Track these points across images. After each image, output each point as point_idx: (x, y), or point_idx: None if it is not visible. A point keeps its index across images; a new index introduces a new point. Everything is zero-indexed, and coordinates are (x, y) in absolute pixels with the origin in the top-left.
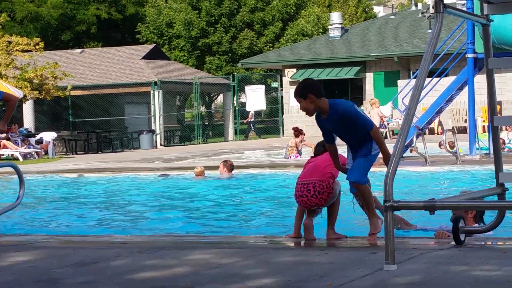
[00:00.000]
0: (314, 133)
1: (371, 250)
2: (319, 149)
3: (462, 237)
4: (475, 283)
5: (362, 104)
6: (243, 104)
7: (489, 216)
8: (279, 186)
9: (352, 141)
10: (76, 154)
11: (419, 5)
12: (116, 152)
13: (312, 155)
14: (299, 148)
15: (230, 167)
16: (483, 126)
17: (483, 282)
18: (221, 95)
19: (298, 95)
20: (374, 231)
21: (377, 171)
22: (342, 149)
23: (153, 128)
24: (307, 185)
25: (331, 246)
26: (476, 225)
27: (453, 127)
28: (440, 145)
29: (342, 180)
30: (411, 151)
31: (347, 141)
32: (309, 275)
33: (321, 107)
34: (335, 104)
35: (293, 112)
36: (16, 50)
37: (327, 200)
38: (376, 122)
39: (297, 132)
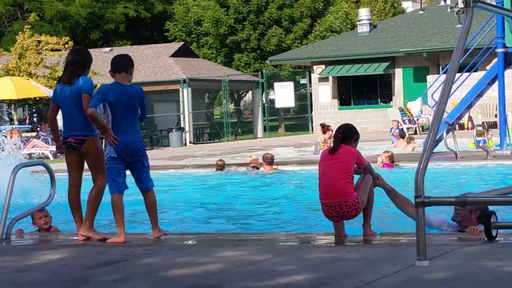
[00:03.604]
0: None
1: (403, 246)
2: (336, 139)
3: (494, 232)
4: (509, 279)
5: (391, 100)
6: (272, 101)
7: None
8: (308, 183)
9: None
10: None
11: (448, 0)
12: (146, 149)
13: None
14: (329, 144)
15: (267, 160)
16: None
17: None
18: (250, 92)
19: None
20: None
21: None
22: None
23: (182, 125)
24: (334, 207)
25: (362, 242)
26: (479, 225)
27: (483, 122)
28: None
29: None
30: None
31: None
32: (341, 271)
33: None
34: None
35: (322, 108)
36: (46, 49)
37: (358, 211)
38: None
39: (325, 128)
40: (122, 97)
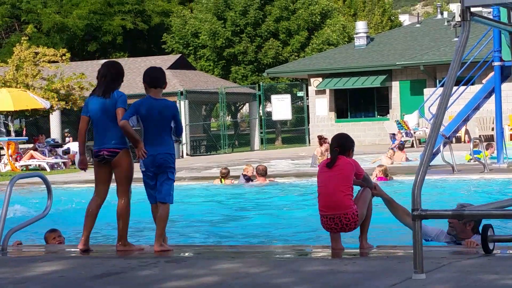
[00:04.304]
0: None
1: (400, 259)
2: (333, 153)
3: (491, 246)
4: None
5: (388, 112)
6: (269, 114)
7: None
8: (303, 195)
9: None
10: None
11: (445, 14)
12: None
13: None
14: (326, 156)
15: (260, 172)
16: (511, 134)
17: None
18: (247, 104)
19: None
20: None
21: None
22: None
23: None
24: (333, 219)
25: (359, 255)
26: (474, 236)
27: (480, 136)
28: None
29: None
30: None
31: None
32: (338, 284)
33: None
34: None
35: (319, 121)
36: (43, 61)
37: (357, 224)
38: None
39: (322, 140)
40: (153, 110)
